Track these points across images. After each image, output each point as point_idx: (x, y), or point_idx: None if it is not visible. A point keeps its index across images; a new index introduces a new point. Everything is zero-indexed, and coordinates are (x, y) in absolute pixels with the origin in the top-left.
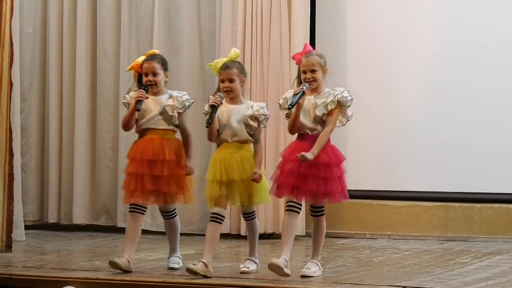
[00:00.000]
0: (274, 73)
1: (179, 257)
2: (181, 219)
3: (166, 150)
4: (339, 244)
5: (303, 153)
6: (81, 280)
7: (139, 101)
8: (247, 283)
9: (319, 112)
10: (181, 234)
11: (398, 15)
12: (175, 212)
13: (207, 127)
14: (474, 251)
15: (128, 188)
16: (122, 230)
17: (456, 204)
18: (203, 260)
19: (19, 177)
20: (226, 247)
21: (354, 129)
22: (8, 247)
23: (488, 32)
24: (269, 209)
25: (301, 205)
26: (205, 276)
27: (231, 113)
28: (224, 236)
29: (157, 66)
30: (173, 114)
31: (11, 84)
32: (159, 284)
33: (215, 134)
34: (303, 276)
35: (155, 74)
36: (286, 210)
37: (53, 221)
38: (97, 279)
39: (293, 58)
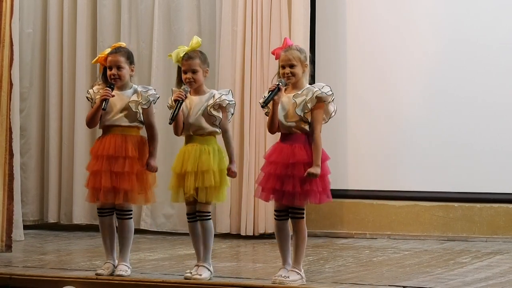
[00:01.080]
0: (274, 73)
1: (127, 266)
2: (180, 219)
3: (129, 147)
4: (339, 244)
5: (310, 170)
6: (81, 280)
7: (104, 100)
8: (247, 283)
9: (299, 112)
10: (181, 234)
11: (398, 15)
12: (131, 214)
13: (170, 123)
14: (474, 251)
15: (93, 187)
16: None
17: (456, 204)
18: (198, 264)
19: (19, 177)
20: (226, 247)
21: (354, 129)
22: (8, 247)
23: (488, 32)
24: (269, 209)
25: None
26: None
27: (194, 105)
28: (224, 236)
29: (121, 59)
30: (137, 110)
31: (11, 84)
32: (159, 284)
33: (181, 128)
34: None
35: (119, 68)
36: (275, 219)
37: (53, 221)
38: (97, 279)
39: (273, 53)
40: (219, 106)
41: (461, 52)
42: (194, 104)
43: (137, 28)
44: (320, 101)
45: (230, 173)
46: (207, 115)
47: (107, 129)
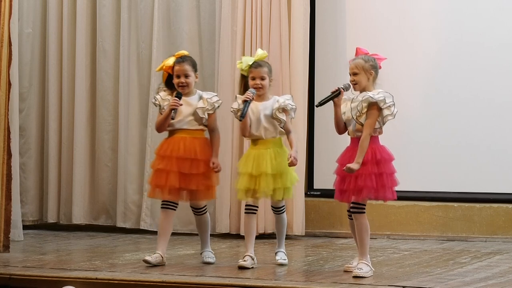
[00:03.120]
0: (274, 73)
1: (211, 251)
2: (180, 219)
3: (197, 149)
4: (338, 244)
5: (348, 165)
6: (81, 280)
7: (173, 109)
8: (247, 283)
9: (353, 114)
10: (181, 234)
11: (398, 15)
12: (206, 209)
13: (240, 120)
14: (473, 251)
15: (157, 184)
16: (121, 230)
17: (455, 204)
18: (249, 254)
19: (18, 177)
20: (226, 247)
21: None
22: (6, 247)
23: (488, 32)
24: (268, 210)
25: (364, 205)
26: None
27: (261, 110)
28: (223, 236)
29: (188, 68)
30: (203, 116)
31: (9, 84)
32: (159, 284)
33: (248, 129)
34: (355, 277)
35: (187, 76)
36: (349, 217)
37: (53, 221)
38: (96, 279)
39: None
40: (283, 110)
41: (461, 52)
42: (262, 108)
43: (136, 28)
44: (371, 106)
45: (292, 161)
46: (273, 118)
47: (175, 131)
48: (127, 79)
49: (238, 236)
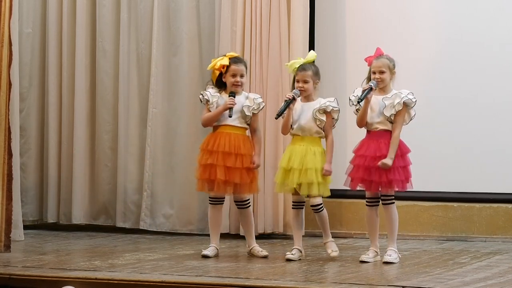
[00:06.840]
0: (274, 73)
1: (253, 247)
2: (180, 219)
3: (241, 144)
4: (338, 244)
5: (382, 161)
6: (81, 280)
7: (230, 108)
8: (247, 283)
9: (387, 113)
10: (181, 234)
11: (398, 15)
12: (249, 203)
13: (276, 118)
14: (473, 251)
15: (205, 178)
16: (121, 230)
17: (455, 204)
18: (297, 247)
19: (18, 177)
20: (225, 247)
21: (354, 129)
22: (7, 247)
23: (488, 32)
24: (268, 209)
25: (377, 198)
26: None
27: (303, 110)
28: (223, 236)
29: (244, 69)
30: (249, 114)
31: (10, 84)
32: (159, 284)
33: (288, 128)
34: (385, 263)
35: (242, 76)
36: (366, 205)
37: (53, 221)
38: (96, 279)
39: (366, 60)
40: (324, 111)
41: (461, 52)
42: (304, 108)
43: (136, 28)
44: (405, 106)
45: (324, 173)
46: (314, 119)
47: (220, 127)
48: (127, 79)
49: (238, 236)
